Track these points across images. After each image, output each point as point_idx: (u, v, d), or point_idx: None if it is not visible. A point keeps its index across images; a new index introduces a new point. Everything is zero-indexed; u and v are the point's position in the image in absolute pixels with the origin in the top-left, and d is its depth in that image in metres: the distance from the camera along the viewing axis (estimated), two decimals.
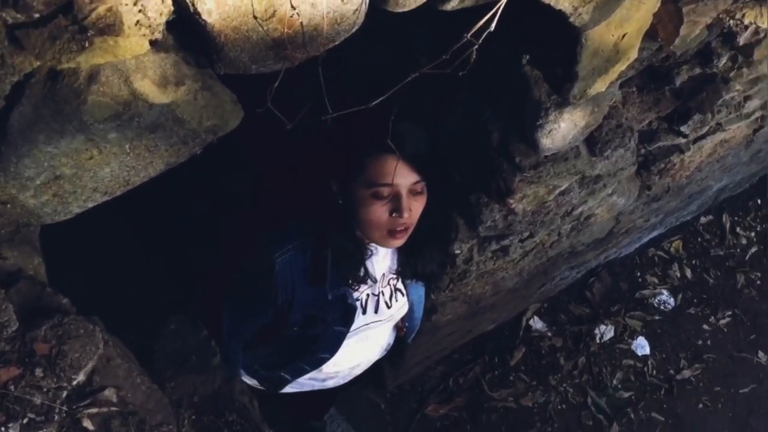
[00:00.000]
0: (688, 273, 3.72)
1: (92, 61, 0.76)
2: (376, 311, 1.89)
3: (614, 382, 3.36)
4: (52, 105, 0.80)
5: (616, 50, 1.43)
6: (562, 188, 2.07)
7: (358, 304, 1.82)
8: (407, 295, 2.00)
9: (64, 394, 0.87)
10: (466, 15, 1.05)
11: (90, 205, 0.96)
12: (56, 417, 0.87)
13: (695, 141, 2.43)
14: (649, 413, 3.29)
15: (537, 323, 3.47)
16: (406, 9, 0.94)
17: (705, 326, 3.58)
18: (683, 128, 2.27)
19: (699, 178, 2.87)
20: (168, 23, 0.87)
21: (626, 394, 3.33)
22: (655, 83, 2.14)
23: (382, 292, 1.90)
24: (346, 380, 2.18)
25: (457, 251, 2.32)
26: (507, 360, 3.37)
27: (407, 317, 2.11)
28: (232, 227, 2.52)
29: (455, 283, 2.40)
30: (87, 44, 0.73)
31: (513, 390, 3.30)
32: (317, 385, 2.13)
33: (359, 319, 1.87)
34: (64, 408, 0.87)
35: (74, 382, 0.88)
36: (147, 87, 0.83)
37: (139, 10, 0.80)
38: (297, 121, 0.98)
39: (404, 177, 1.55)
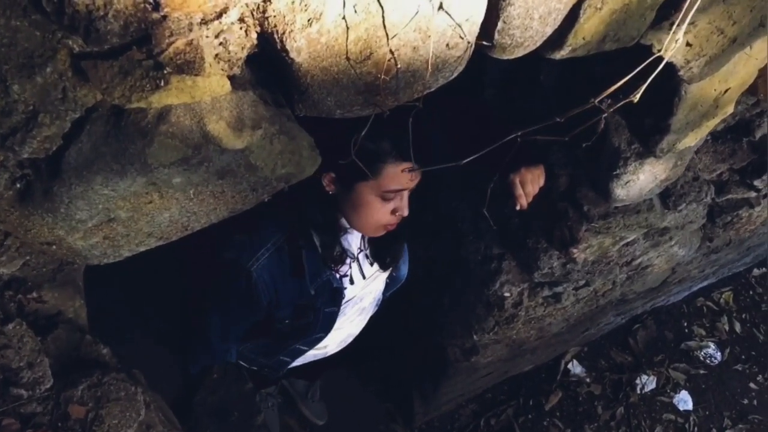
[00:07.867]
0: (738, 327, 3.53)
1: (165, 101, 0.66)
2: (363, 277, 1.87)
3: None
4: (114, 144, 0.70)
5: (716, 105, 1.31)
6: (628, 240, 1.94)
7: (345, 281, 1.80)
8: None
9: None
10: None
11: (142, 249, 0.86)
12: None
13: (766, 196, 2.29)
14: None
15: (576, 368, 3.31)
16: (512, 57, 0.83)
17: (752, 385, 3.40)
18: (757, 182, 2.13)
19: (761, 232, 2.71)
20: (247, 57, 0.77)
21: None
22: (732, 134, 2.00)
23: (362, 255, 1.85)
24: (347, 342, 2.15)
25: (507, 294, 2.20)
26: (542, 404, 3.22)
27: (395, 268, 2.03)
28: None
29: (501, 326, 2.28)
30: (162, 83, 0.63)
31: None
32: (320, 355, 2.11)
33: (349, 292, 1.84)
34: None
35: None
36: (221, 130, 0.73)
37: (220, 43, 0.70)
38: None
39: (414, 180, 1.49)
